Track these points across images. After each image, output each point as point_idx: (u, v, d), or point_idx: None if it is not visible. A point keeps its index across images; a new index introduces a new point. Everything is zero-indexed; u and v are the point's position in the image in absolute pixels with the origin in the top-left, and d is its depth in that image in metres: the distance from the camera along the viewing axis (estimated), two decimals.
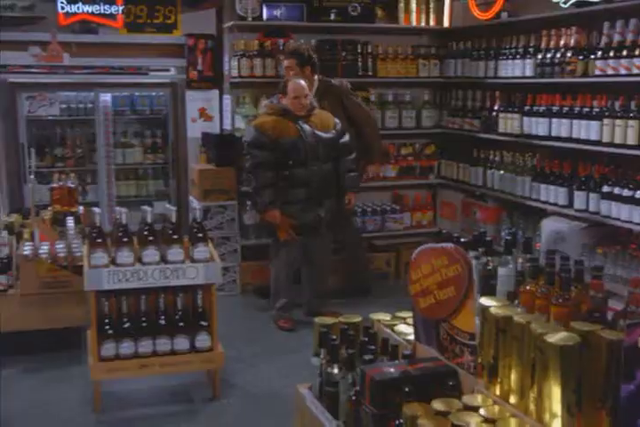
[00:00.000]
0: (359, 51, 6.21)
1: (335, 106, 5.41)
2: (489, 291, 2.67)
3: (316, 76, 5.44)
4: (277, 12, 5.95)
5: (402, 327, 2.93)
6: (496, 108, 5.81)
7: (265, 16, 5.95)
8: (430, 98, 6.58)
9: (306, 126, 4.96)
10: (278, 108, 4.98)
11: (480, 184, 6.01)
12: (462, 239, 2.92)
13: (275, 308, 5.26)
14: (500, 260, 2.82)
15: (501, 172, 5.75)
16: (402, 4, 6.37)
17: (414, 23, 6.43)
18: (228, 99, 6.26)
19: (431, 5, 6.45)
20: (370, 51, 6.25)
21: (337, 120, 5.18)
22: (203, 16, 6.94)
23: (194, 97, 6.92)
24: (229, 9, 6.07)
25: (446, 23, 6.56)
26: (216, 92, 6.76)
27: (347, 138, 5.17)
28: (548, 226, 5.10)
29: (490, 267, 2.80)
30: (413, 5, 6.39)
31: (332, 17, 6.15)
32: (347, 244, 5.83)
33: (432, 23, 6.49)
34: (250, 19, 5.91)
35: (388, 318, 3.02)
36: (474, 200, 6.20)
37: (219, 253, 5.93)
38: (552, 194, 5.14)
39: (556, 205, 5.12)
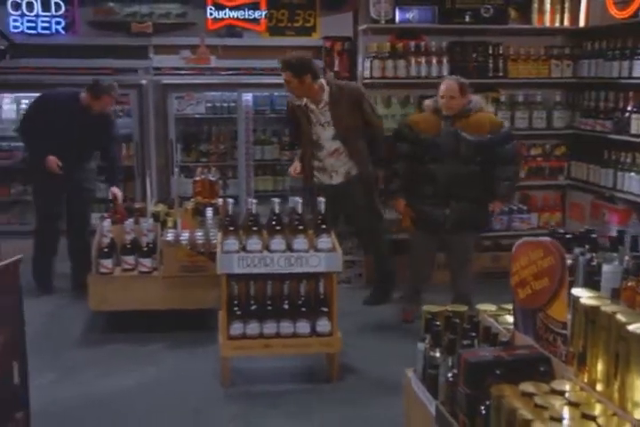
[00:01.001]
0: (490, 52, 6.28)
1: (352, 110, 5.37)
2: (592, 286, 2.75)
3: (322, 81, 5.35)
4: (410, 15, 6.13)
5: (507, 318, 3.05)
6: (629, 109, 5.71)
7: (397, 19, 6.15)
8: (562, 99, 6.53)
9: (450, 126, 4.98)
10: (432, 107, 5.10)
11: (610, 186, 5.94)
12: (567, 235, 3.03)
13: (400, 299, 5.48)
14: (606, 256, 2.90)
15: (632, 173, 5.66)
16: (535, 5, 6.38)
17: (548, 23, 6.42)
18: None
19: (566, 5, 6.41)
20: (501, 52, 6.30)
21: (505, 125, 5.19)
22: (340, 19, 7.22)
23: None
24: (364, 12, 6.32)
25: (582, 23, 6.49)
26: None
27: (509, 146, 5.02)
28: None
29: (594, 263, 2.88)
30: (548, 5, 6.37)
31: (467, 19, 6.26)
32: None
33: (566, 23, 6.45)
34: (383, 22, 6.13)
35: (494, 309, 3.15)
36: (603, 202, 6.12)
37: (347, 247, 6.24)
38: None
39: None
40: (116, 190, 5.99)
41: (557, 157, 6.59)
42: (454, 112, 4.97)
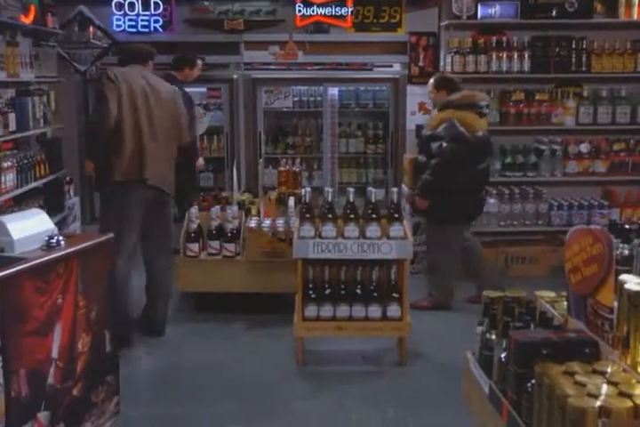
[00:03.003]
0: (574, 46, 6.27)
1: None
2: None
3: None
4: (492, 11, 6.21)
5: (564, 304, 3.15)
6: None
7: (479, 14, 6.24)
8: None
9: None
10: None
11: None
12: (627, 226, 3.11)
13: None
14: None
15: None
16: None
17: (635, 16, 6.34)
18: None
19: None
20: (585, 46, 6.28)
21: (445, 124, 5.18)
22: (426, 14, 7.34)
23: (414, 91, 7.36)
24: (447, 8, 6.42)
25: None
26: None
27: (436, 144, 5.21)
28: None
29: None
30: None
31: (554, 13, 6.27)
32: None
33: None
34: (464, 17, 6.23)
35: (553, 295, 3.26)
36: None
37: (422, 239, 6.37)
38: None
39: None
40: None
41: None
42: (434, 106, 5.52)
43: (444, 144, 5.13)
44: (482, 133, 5.23)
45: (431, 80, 5.51)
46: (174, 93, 4.91)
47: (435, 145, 5.21)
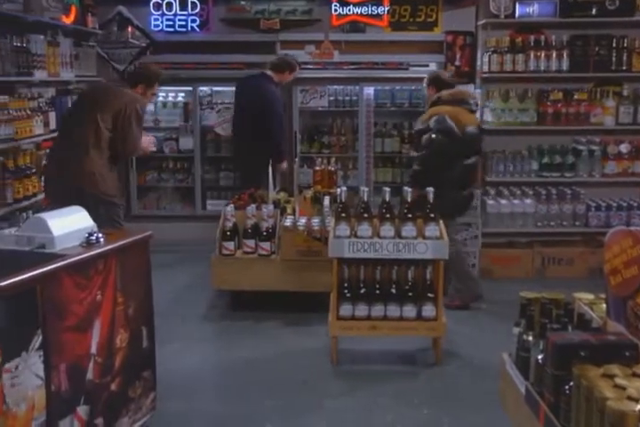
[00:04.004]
0: (614, 45, 6.17)
1: None
2: None
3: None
4: (530, 9, 6.14)
5: (603, 307, 3.12)
6: None
7: (517, 13, 6.17)
8: None
9: None
10: None
11: None
12: None
13: None
14: None
15: None
16: None
17: None
18: (478, 93, 6.58)
19: None
20: (625, 45, 6.18)
21: (435, 117, 5.32)
22: (464, 13, 7.30)
23: None
24: (484, 6, 6.37)
25: None
26: (472, 86, 7.09)
27: (426, 135, 5.35)
28: None
29: None
30: None
31: (594, 12, 6.19)
32: None
33: None
34: (502, 16, 6.18)
35: (591, 297, 3.23)
36: None
37: (461, 239, 6.35)
38: None
39: None
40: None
41: None
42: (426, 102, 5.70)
43: (433, 136, 5.26)
44: (471, 129, 5.32)
45: (425, 79, 5.75)
46: (122, 105, 4.89)
47: (425, 137, 5.33)
